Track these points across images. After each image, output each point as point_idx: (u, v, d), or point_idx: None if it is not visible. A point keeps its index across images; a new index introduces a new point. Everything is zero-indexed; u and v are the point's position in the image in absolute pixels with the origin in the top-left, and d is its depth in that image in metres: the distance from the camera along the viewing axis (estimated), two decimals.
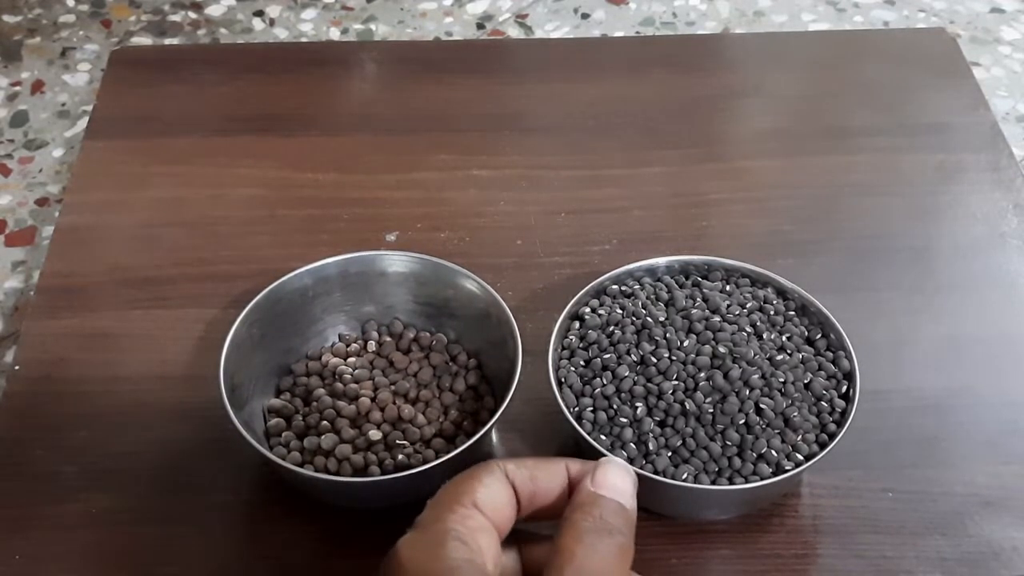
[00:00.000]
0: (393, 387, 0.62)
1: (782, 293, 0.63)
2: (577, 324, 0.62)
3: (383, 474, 0.57)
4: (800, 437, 0.57)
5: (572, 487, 0.45)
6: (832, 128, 0.82)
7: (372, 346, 0.64)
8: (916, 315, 0.70)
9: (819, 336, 0.61)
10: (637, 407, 0.57)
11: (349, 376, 0.62)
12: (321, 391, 0.61)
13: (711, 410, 0.57)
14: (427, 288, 0.65)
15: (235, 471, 0.61)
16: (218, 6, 1.00)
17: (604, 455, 0.55)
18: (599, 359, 0.59)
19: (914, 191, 0.77)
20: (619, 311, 0.61)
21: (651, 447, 0.57)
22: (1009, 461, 0.62)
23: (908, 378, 0.66)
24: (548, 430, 0.62)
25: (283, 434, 0.60)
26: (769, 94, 0.85)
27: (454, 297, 0.64)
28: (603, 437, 0.57)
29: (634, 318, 0.61)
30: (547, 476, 0.44)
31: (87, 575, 0.58)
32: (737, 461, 0.56)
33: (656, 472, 0.56)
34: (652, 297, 0.62)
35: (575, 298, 0.62)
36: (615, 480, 0.42)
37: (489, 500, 0.42)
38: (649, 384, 0.58)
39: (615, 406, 0.58)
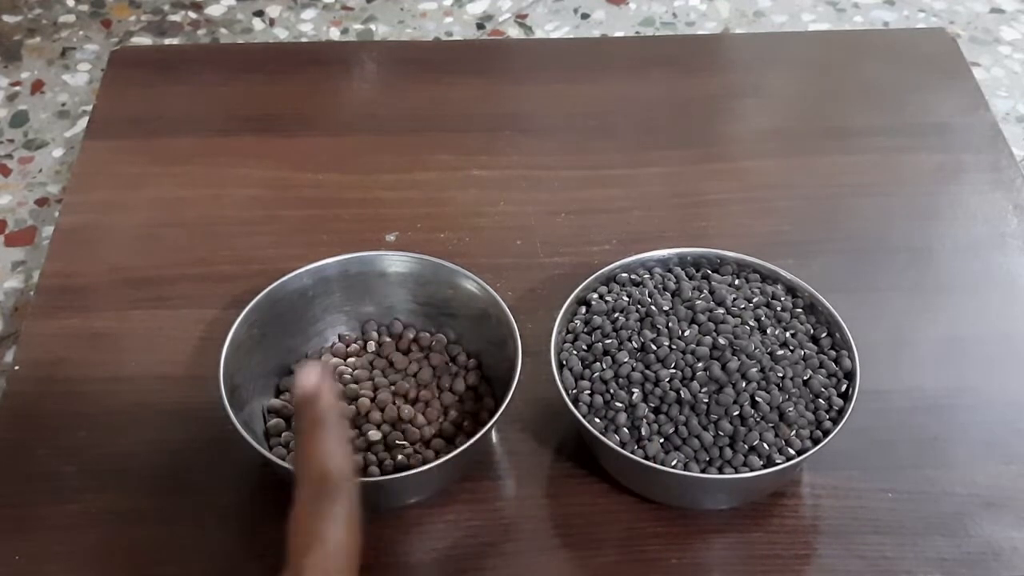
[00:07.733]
0: (393, 387, 0.61)
1: (791, 290, 0.63)
2: (584, 309, 0.62)
3: (383, 474, 0.57)
4: (794, 432, 0.57)
5: None
6: (832, 128, 0.82)
7: (372, 346, 0.64)
8: (916, 315, 0.70)
9: (824, 335, 0.61)
10: (633, 392, 0.58)
11: (349, 376, 0.62)
12: None
13: (706, 400, 0.57)
14: (427, 288, 0.65)
15: (235, 471, 0.61)
16: (218, 6, 1.00)
17: (599, 438, 0.55)
18: (600, 344, 0.60)
19: (914, 191, 0.77)
20: (625, 298, 0.62)
21: (644, 432, 0.57)
22: (1009, 461, 0.62)
23: (908, 378, 0.66)
24: (548, 430, 0.62)
25: (283, 434, 0.60)
26: (769, 94, 0.85)
27: (454, 297, 0.64)
28: (598, 420, 0.58)
29: (639, 306, 0.61)
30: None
31: (87, 575, 0.58)
32: (728, 452, 0.56)
33: (647, 457, 0.56)
34: (660, 287, 0.63)
35: (584, 283, 0.62)
36: (302, 381, 0.47)
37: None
38: (647, 371, 0.58)
39: (612, 391, 0.58)
